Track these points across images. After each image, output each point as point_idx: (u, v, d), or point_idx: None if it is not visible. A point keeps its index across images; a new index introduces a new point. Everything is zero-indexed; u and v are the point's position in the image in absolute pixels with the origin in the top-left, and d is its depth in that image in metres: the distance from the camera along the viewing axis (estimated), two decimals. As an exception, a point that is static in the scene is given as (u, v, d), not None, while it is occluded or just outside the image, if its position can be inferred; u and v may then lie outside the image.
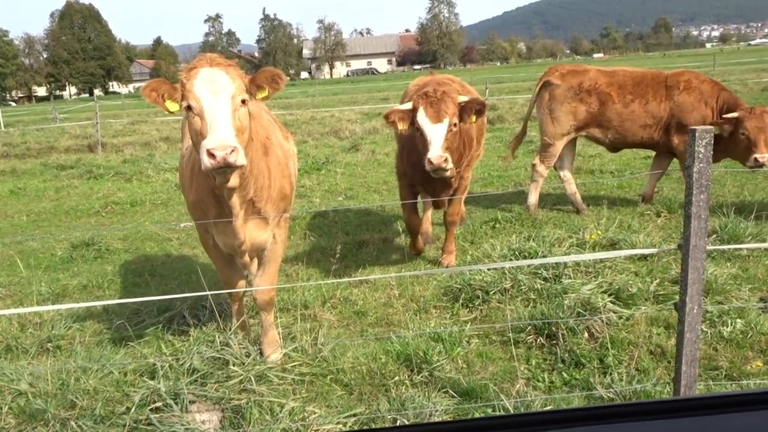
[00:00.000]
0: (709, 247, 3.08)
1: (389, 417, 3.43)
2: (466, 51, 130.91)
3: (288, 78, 3.90)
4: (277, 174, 3.89)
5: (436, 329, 4.40)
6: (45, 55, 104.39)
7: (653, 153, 7.92)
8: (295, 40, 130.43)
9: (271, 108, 6.36)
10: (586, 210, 7.55)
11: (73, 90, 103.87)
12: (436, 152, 4.79)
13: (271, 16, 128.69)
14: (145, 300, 4.25)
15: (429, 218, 6.92)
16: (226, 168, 3.07)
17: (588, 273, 5.01)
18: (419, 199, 6.12)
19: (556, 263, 4.90)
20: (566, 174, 7.77)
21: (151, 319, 4.96)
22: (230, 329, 4.12)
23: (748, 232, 5.81)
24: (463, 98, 5.12)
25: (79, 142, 19.08)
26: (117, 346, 4.57)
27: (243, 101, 3.27)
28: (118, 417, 3.38)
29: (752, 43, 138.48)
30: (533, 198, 7.71)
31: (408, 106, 5.15)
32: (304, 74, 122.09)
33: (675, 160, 7.50)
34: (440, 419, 3.36)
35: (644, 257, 5.53)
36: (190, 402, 3.46)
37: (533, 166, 7.72)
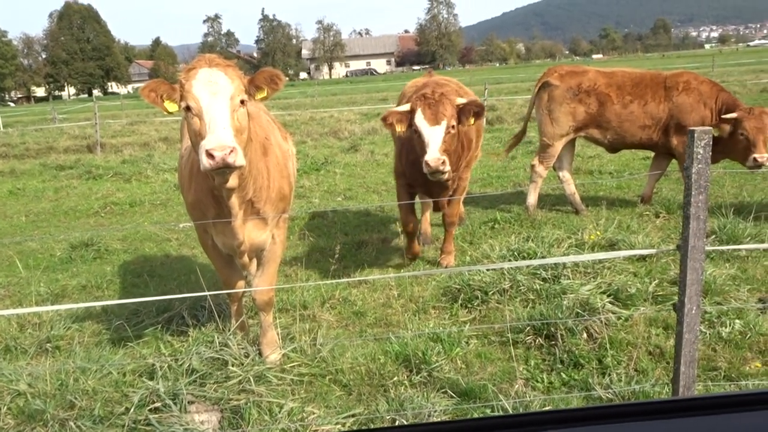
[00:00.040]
0: (708, 248, 3.09)
1: (388, 417, 3.43)
2: (465, 52, 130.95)
3: (287, 78, 3.89)
4: (276, 174, 3.89)
5: (435, 330, 4.40)
6: (44, 56, 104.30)
7: (652, 154, 7.93)
8: (294, 41, 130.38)
9: (270, 108, 6.36)
10: (585, 210, 7.55)
11: (72, 90, 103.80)
12: (434, 155, 4.75)
13: (270, 17, 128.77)
14: (144, 300, 4.26)
15: (428, 219, 6.92)
16: (225, 168, 3.07)
17: (587, 273, 5.01)
18: (416, 199, 6.12)
19: (555, 264, 4.90)
20: (565, 174, 7.78)
21: (150, 320, 4.96)
22: (229, 330, 4.13)
23: (746, 233, 5.81)
24: (461, 100, 5.09)
25: (78, 142, 19.06)
26: (116, 346, 4.56)
27: (242, 102, 3.27)
28: (117, 417, 3.38)
29: (751, 44, 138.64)
30: (532, 198, 7.71)
31: (406, 107, 5.11)
32: (303, 75, 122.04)
33: (674, 160, 7.51)
34: (439, 419, 3.36)
35: (643, 258, 5.54)
36: (189, 402, 3.46)
37: (532, 166, 7.73)
